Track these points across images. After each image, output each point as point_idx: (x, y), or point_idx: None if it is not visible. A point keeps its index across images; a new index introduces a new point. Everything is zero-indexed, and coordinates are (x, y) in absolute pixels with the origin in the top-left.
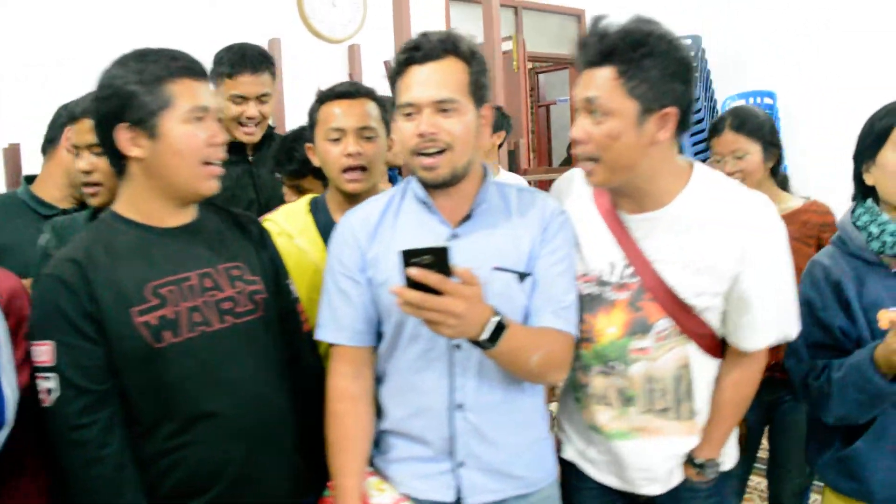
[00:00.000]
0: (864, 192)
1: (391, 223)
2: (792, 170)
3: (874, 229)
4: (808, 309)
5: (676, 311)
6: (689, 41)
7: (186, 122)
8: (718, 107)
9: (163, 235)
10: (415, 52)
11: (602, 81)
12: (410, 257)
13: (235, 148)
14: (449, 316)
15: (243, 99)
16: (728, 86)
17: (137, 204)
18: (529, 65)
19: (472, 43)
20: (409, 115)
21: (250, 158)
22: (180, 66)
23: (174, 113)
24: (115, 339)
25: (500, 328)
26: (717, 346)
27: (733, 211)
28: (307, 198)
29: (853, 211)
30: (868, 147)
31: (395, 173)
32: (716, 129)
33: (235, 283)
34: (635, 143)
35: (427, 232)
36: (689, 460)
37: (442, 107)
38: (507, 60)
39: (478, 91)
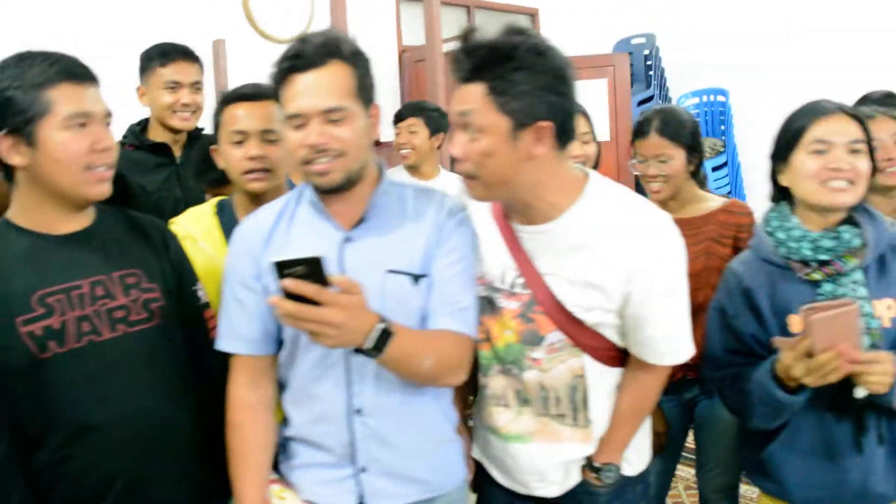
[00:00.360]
0: (781, 193)
1: (285, 229)
2: (744, 164)
3: (781, 235)
4: (722, 316)
5: (568, 325)
6: (643, 39)
7: (66, 129)
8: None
9: (54, 243)
10: (296, 60)
11: (473, 98)
12: (284, 268)
13: (161, 150)
14: (327, 326)
15: (177, 85)
16: (683, 84)
17: (28, 211)
18: None
19: (353, 43)
20: (297, 126)
21: (177, 160)
22: (60, 69)
23: (53, 120)
24: (0, 349)
25: (385, 335)
26: (616, 357)
27: (624, 230)
28: (215, 200)
29: (767, 214)
30: (782, 148)
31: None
32: (641, 131)
33: (130, 291)
34: (510, 160)
35: (320, 237)
36: (589, 463)
37: (331, 116)
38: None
39: (365, 92)
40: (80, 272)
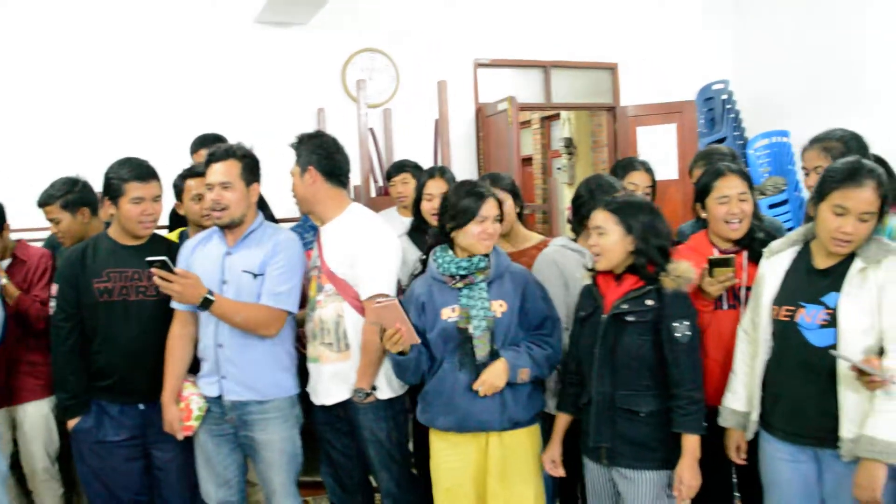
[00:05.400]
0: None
1: (202, 247)
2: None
3: (440, 261)
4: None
5: (334, 280)
6: (722, 85)
7: (130, 203)
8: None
9: (122, 248)
10: (211, 156)
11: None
12: (151, 264)
13: None
14: (173, 292)
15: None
16: (756, 125)
17: (115, 231)
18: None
19: (245, 149)
20: (209, 189)
21: None
22: (133, 174)
23: (126, 198)
24: (82, 292)
25: (207, 301)
26: (363, 310)
27: (354, 228)
28: (177, 230)
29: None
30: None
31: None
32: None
33: (151, 278)
34: (301, 186)
35: (216, 251)
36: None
37: (224, 186)
38: (504, 118)
39: (248, 175)
40: (130, 264)
